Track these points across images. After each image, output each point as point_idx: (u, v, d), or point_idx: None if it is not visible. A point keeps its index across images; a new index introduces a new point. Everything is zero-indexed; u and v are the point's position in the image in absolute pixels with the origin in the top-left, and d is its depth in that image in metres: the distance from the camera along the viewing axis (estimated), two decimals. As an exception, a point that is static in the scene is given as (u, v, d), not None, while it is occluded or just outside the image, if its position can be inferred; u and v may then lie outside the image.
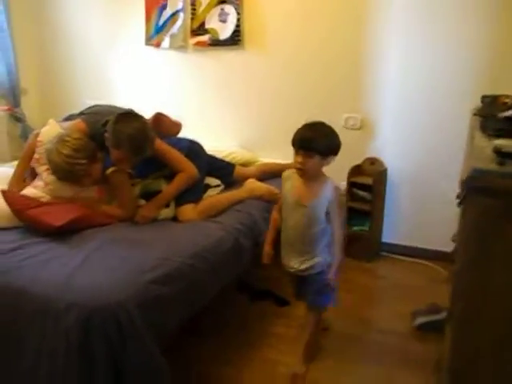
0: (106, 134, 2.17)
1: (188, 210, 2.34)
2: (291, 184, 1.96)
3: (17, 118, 3.65)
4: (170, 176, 2.41)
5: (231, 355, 2.14)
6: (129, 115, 2.24)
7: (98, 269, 1.71)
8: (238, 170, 2.90)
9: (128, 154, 2.14)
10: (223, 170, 2.79)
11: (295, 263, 1.97)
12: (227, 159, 3.08)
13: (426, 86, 2.84)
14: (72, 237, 1.98)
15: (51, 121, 2.51)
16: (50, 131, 2.39)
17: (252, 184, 2.73)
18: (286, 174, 2.02)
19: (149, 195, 2.36)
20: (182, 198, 2.38)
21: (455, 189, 1.48)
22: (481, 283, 1.29)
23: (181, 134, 2.81)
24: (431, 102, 2.85)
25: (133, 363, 1.51)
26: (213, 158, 2.78)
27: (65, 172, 2.15)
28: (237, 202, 2.53)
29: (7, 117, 3.59)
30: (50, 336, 1.51)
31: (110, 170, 2.24)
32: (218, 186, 2.68)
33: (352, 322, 2.41)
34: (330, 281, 1.94)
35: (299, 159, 1.86)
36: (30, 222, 2.01)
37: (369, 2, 2.84)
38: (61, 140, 2.16)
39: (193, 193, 2.43)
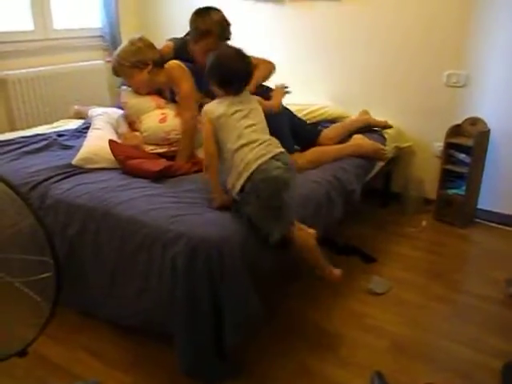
0: (190, 36, 2.38)
1: (297, 157, 2.31)
2: None
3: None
4: None
5: (316, 300, 2.18)
6: (207, 8, 2.37)
7: (203, 210, 1.77)
8: (323, 136, 2.65)
9: (216, 39, 2.28)
10: (306, 137, 2.59)
11: None
12: (318, 113, 3.04)
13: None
14: (171, 180, 2.06)
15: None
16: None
17: (359, 140, 2.69)
18: None
19: None
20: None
21: None
22: None
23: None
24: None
25: (229, 296, 1.58)
26: (298, 121, 2.66)
27: (113, 68, 2.44)
28: (342, 156, 2.50)
29: (108, 68, 3.77)
30: (158, 261, 1.62)
31: None
32: None
33: (443, 284, 2.34)
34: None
35: None
36: (130, 171, 2.12)
37: None
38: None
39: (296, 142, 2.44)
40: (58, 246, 1.81)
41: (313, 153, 2.44)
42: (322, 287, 2.27)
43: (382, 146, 2.71)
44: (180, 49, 2.49)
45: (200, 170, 2.01)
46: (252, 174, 1.70)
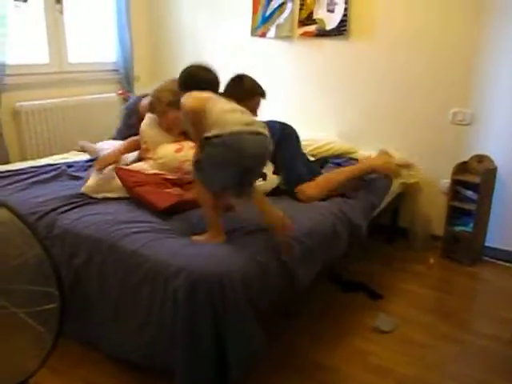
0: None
1: (307, 187, 2.35)
2: None
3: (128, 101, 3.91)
4: None
5: (320, 338, 2.15)
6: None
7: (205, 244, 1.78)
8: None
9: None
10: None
11: None
12: (325, 149, 3.06)
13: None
14: (178, 216, 2.06)
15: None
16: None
17: (371, 160, 2.74)
18: None
19: None
20: (298, 177, 2.40)
21: None
22: None
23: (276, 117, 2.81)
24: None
25: (232, 329, 1.56)
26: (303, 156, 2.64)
27: (150, 103, 2.50)
28: (354, 177, 2.53)
29: (121, 100, 3.86)
30: (161, 295, 1.61)
31: None
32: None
33: (451, 323, 2.29)
34: None
35: None
36: (138, 198, 2.14)
37: (489, -11, 2.68)
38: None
39: (306, 171, 2.45)
40: (63, 276, 1.83)
41: (321, 179, 2.44)
42: (325, 323, 2.24)
43: (394, 166, 2.73)
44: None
45: None
46: (228, 132, 1.70)
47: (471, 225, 2.85)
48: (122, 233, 1.86)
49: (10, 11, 3.07)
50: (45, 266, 1.23)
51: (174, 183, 2.29)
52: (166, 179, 2.30)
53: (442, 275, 2.79)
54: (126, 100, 3.90)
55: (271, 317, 1.96)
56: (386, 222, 3.12)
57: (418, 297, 2.53)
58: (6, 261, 1.27)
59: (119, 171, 2.25)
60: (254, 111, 2.45)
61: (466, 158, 2.91)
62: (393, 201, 2.94)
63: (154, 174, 2.31)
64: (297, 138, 2.58)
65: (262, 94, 2.48)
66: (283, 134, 2.49)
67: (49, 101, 3.34)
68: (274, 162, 2.42)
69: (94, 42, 3.77)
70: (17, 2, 3.17)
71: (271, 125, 2.53)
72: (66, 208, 2.07)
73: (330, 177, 2.49)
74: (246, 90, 2.42)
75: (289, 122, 2.69)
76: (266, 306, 1.77)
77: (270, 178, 2.40)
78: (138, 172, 2.30)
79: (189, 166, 2.27)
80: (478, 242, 2.94)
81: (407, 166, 3.02)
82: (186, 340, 1.55)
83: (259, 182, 2.33)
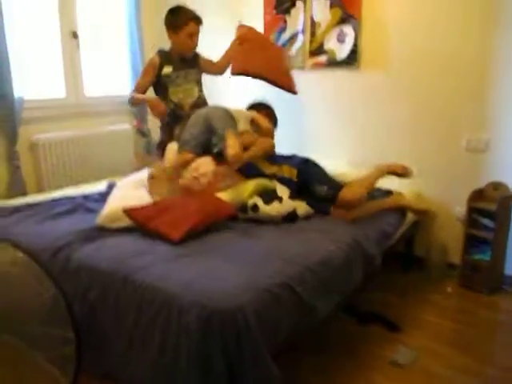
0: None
1: (354, 187, 2.52)
2: None
3: (143, 133, 3.97)
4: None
5: (336, 374, 2.10)
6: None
7: (218, 273, 1.78)
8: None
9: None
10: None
11: None
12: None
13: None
14: (193, 241, 2.09)
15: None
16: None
17: (400, 199, 2.82)
18: None
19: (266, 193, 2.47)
20: (333, 187, 2.58)
21: None
22: None
23: (291, 151, 2.86)
24: None
25: (246, 366, 1.54)
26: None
27: None
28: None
29: (134, 132, 3.92)
30: (174, 329, 1.60)
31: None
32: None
33: (470, 355, 2.23)
34: None
35: None
36: (152, 233, 2.15)
37: (498, 17, 2.70)
38: None
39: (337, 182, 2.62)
40: (78, 309, 1.84)
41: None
42: (342, 357, 2.20)
43: (422, 207, 2.88)
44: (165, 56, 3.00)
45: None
46: None
47: (489, 253, 2.80)
48: (136, 265, 1.86)
49: (28, 46, 3.18)
50: (61, 306, 1.23)
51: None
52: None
53: (460, 305, 2.74)
54: (140, 131, 3.97)
55: (285, 350, 1.93)
56: (401, 250, 3.09)
57: (437, 328, 2.48)
58: (23, 303, 1.28)
59: (127, 211, 2.23)
60: (192, 37, 2.91)
61: (481, 185, 2.88)
62: (408, 229, 2.91)
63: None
64: (319, 166, 2.73)
65: (195, 18, 2.87)
66: (303, 161, 2.69)
67: (65, 133, 3.41)
68: (300, 185, 2.58)
69: (109, 74, 3.86)
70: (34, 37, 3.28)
71: (292, 158, 2.73)
72: (82, 242, 2.09)
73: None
74: (179, 18, 2.86)
75: (299, 151, 2.74)
76: (281, 340, 1.75)
77: (286, 202, 2.42)
78: (146, 206, 2.30)
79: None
80: (496, 271, 2.88)
81: (424, 214, 2.98)
82: (199, 375, 1.53)
83: (275, 205, 2.35)
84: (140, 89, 3.01)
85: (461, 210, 2.94)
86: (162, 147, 2.99)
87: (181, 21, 2.88)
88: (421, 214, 2.91)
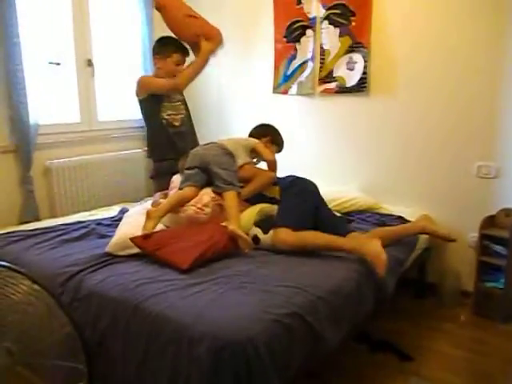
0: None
1: (284, 232, 2.32)
2: None
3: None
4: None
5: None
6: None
7: (229, 302, 1.77)
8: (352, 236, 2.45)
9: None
10: (332, 231, 2.40)
11: None
12: (349, 204, 3.06)
13: None
14: (203, 270, 2.09)
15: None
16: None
17: (425, 222, 2.80)
18: None
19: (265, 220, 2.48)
20: (279, 220, 2.40)
21: None
22: None
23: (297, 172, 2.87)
24: None
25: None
26: (327, 212, 2.63)
27: None
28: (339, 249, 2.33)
29: (145, 156, 3.96)
30: (185, 359, 1.59)
31: None
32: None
33: (487, 388, 2.19)
34: None
35: None
36: (161, 261, 2.16)
37: (507, 43, 2.72)
38: None
39: (293, 219, 2.39)
40: (89, 337, 1.83)
41: (305, 233, 2.37)
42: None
43: (447, 234, 2.76)
44: None
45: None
46: None
47: (502, 280, 2.76)
48: (146, 294, 1.86)
49: (44, 74, 3.25)
50: (73, 340, 1.24)
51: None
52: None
53: (473, 334, 2.69)
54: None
55: (296, 381, 1.91)
56: (413, 277, 3.06)
57: (450, 358, 2.43)
58: (36, 335, 1.28)
59: (134, 240, 2.24)
60: (178, 66, 3.01)
61: (493, 212, 2.86)
62: (420, 255, 2.88)
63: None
64: (302, 188, 2.60)
65: (181, 50, 3.02)
66: (287, 187, 2.61)
67: (78, 158, 3.46)
68: None
69: (122, 100, 3.92)
70: (51, 65, 3.35)
71: (284, 178, 2.70)
72: (93, 269, 2.11)
73: (318, 236, 2.35)
74: (165, 47, 3.01)
75: (310, 176, 2.73)
76: (293, 371, 1.73)
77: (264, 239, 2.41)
78: (155, 235, 2.30)
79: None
80: (510, 299, 2.83)
81: (446, 239, 2.80)
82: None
83: (255, 246, 2.37)
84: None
85: (473, 236, 2.92)
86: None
87: (169, 49, 3.02)
88: (447, 239, 2.79)
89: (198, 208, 2.44)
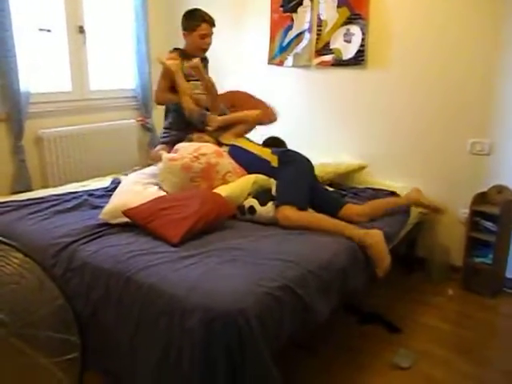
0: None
1: (289, 210, 2.32)
2: None
3: (147, 128, 3.98)
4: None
5: (336, 376, 2.12)
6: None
7: (221, 275, 1.79)
8: (346, 209, 2.54)
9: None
10: (327, 205, 2.52)
11: None
12: (333, 166, 3.08)
13: None
14: (196, 242, 2.09)
15: None
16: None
17: (416, 194, 2.86)
18: None
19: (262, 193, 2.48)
20: (283, 197, 2.39)
21: None
22: None
23: (296, 149, 2.84)
24: None
25: (248, 369, 1.55)
26: (321, 187, 2.67)
27: None
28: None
29: (139, 127, 3.93)
30: (177, 331, 1.62)
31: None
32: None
33: (471, 359, 2.25)
34: None
35: None
36: (152, 233, 2.15)
37: (505, 21, 2.69)
38: None
39: (297, 197, 2.40)
40: (82, 307, 1.85)
41: (308, 213, 2.41)
42: (342, 359, 2.22)
43: (438, 205, 2.90)
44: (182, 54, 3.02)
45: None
46: None
47: (491, 256, 2.81)
48: (139, 266, 1.87)
49: (34, 41, 3.18)
50: (66, 312, 1.25)
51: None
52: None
53: (461, 308, 2.74)
54: (144, 126, 3.97)
55: (286, 351, 1.95)
56: (403, 252, 3.09)
57: (437, 331, 2.49)
58: (29, 307, 1.29)
59: (126, 212, 2.22)
60: (204, 38, 2.98)
61: (485, 189, 2.88)
62: (411, 230, 2.91)
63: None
64: (301, 166, 2.59)
65: (207, 20, 2.96)
66: (282, 162, 2.59)
67: (70, 128, 3.43)
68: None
69: (114, 69, 3.86)
70: (41, 32, 3.27)
71: (277, 151, 2.68)
72: (86, 240, 2.10)
73: (322, 221, 2.34)
74: (191, 20, 2.97)
75: (303, 148, 2.72)
76: (283, 342, 1.76)
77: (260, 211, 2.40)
78: (147, 207, 2.27)
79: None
80: (498, 274, 2.89)
81: (437, 211, 2.94)
82: (202, 376, 1.55)
83: (270, 206, 2.36)
84: (164, 90, 3.04)
85: (464, 212, 2.94)
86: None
87: (194, 22, 2.95)
88: (437, 211, 2.92)
89: (194, 156, 2.49)
